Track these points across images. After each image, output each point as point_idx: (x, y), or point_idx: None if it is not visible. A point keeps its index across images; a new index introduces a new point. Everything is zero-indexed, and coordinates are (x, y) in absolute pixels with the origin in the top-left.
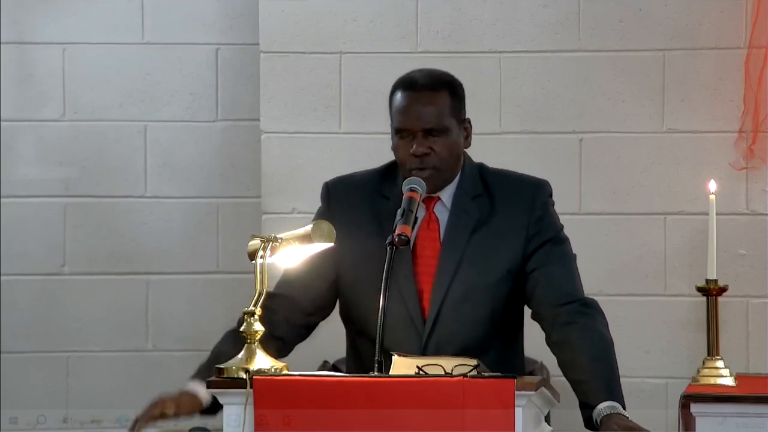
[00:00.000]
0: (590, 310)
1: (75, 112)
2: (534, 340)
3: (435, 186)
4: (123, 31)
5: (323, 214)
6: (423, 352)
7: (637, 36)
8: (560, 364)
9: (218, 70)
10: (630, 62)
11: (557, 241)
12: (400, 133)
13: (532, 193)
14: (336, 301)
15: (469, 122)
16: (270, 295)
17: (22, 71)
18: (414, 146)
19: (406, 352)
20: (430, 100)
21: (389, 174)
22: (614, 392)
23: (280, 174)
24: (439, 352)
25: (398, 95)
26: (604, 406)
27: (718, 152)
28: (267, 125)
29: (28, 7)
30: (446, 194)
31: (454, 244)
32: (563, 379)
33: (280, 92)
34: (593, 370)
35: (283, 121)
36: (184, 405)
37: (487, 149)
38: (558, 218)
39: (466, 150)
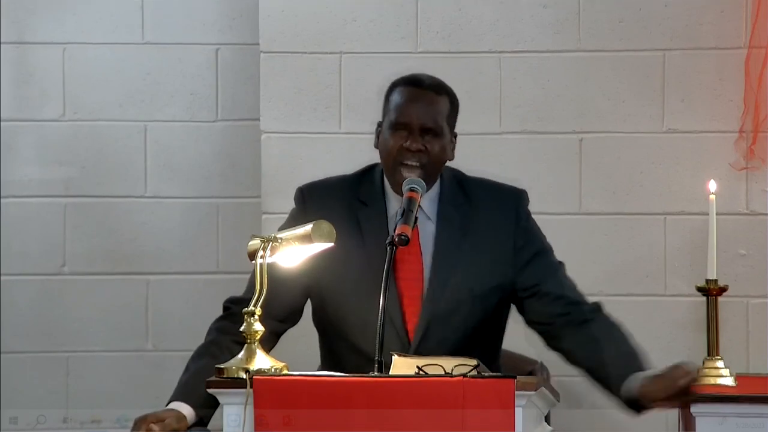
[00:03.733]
0: (592, 308)
1: (75, 112)
2: (534, 341)
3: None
4: (123, 31)
5: (297, 218)
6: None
7: (637, 36)
8: (574, 361)
9: (218, 70)
10: (630, 62)
11: (548, 251)
12: (397, 126)
13: (515, 203)
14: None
15: (456, 136)
16: (239, 301)
17: (22, 71)
18: (409, 141)
19: (401, 352)
20: (433, 101)
21: (365, 178)
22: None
23: (280, 174)
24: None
25: (401, 90)
26: (641, 376)
27: (718, 152)
28: (267, 125)
29: (28, 7)
30: (426, 203)
31: (441, 261)
32: (563, 379)
33: (280, 92)
34: (618, 354)
35: (283, 121)
36: (169, 423)
37: (487, 149)
38: (539, 228)
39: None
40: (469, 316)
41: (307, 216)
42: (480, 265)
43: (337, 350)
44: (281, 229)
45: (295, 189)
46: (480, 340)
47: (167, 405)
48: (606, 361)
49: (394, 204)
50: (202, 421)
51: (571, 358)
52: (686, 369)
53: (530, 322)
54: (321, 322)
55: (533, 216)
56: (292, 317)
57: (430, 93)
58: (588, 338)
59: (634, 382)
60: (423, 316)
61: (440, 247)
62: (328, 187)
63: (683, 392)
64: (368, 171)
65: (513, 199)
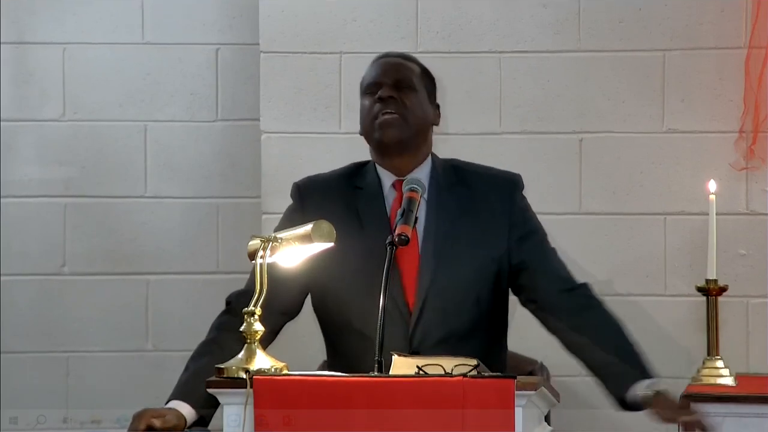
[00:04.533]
0: (594, 293)
1: (75, 112)
2: (534, 341)
3: (400, 139)
4: (123, 31)
5: (295, 213)
6: (410, 341)
7: (637, 36)
8: (577, 348)
9: (218, 70)
10: (630, 62)
11: (544, 235)
12: (369, 88)
13: (511, 185)
14: (305, 300)
15: (439, 108)
16: (243, 293)
17: (22, 71)
18: (382, 91)
19: (401, 352)
20: (402, 64)
21: (359, 168)
22: (648, 370)
23: (280, 174)
24: (424, 340)
25: (370, 65)
26: (646, 384)
27: (718, 152)
28: (267, 125)
29: (28, 7)
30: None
31: (436, 233)
32: (563, 379)
33: (280, 92)
34: (623, 352)
35: (283, 121)
36: (169, 420)
37: (487, 149)
38: (534, 213)
39: (439, 148)
40: (464, 292)
41: (304, 211)
42: (473, 244)
43: (341, 342)
44: (279, 226)
45: (291, 185)
46: (480, 322)
47: (166, 404)
48: (606, 361)
49: (389, 186)
50: (203, 420)
51: (570, 348)
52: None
53: (524, 303)
54: (323, 313)
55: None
56: (291, 310)
57: (399, 59)
58: (588, 333)
59: (639, 390)
60: (419, 292)
61: (430, 229)
62: (323, 180)
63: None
64: (363, 163)
65: (508, 184)
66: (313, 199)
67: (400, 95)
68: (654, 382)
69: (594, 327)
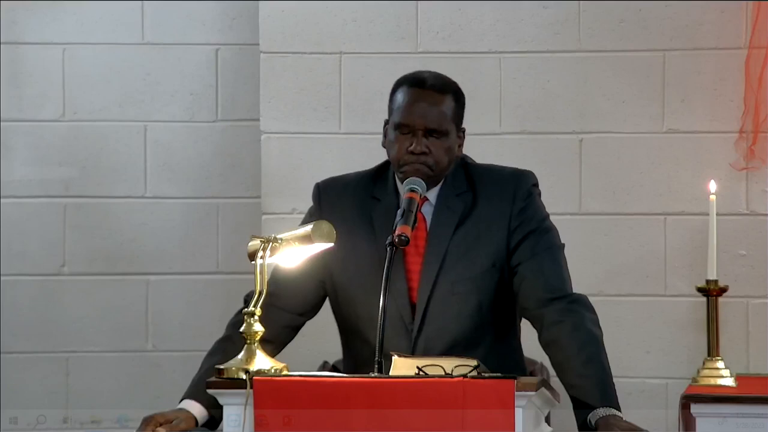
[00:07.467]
0: (577, 306)
1: (75, 112)
2: (534, 342)
3: (423, 180)
4: (123, 31)
5: (314, 215)
6: (413, 348)
7: (637, 36)
8: (552, 364)
9: (218, 70)
10: (630, 62)
11: (542, 231)
12: (400, 128)
13: (514, 185)
14: (323, 301)
15: (464, 131)
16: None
17: (22, 71)
18: (413, 144)
19: (401, 353)
20: (436, 101)
21: (380, 175)
22: (609, 395)
23: (280, 174)
24: (428, 348)
25: (404, 91)
26: (600, 409)
27: (718, 152)
28: (267, 125)
29: (28, 7)
30: (432, 194)
31: (439, 239)
32: None
33: (280, 92)
34: (586, 374)
35: (283, 121)
36: (177, 425)
37: (487, 149)
38: (543, 207)
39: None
40: (466, 299)
41: (321, 213)
42: (474, 249)
43: (351, 344)
44: (301, 225)
45: (313, 185)
46: (485, 327)
47: (179, 403)
48: (574, 382)
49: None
50: (214, 419)
51: (546, 353)
52: None
53: (520, 309)
54: (337, 317)
55: None
56: (308, 311)
57: (434, 93)
58: (554, 349)
59: (591, 418)
60: (419, 304)
61: (433, 235)
62: (343, 184)
63: None
64: (383, 168)
65: (512, 183)
66: (330, 202)
67: (429, 145)
68: (606, 408)
69: (561, 344)
